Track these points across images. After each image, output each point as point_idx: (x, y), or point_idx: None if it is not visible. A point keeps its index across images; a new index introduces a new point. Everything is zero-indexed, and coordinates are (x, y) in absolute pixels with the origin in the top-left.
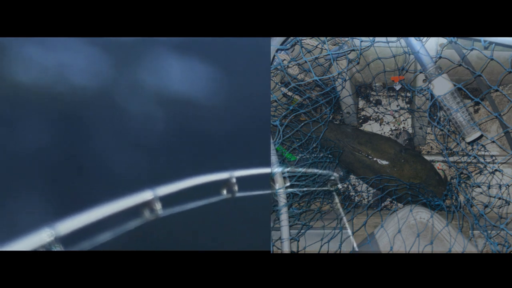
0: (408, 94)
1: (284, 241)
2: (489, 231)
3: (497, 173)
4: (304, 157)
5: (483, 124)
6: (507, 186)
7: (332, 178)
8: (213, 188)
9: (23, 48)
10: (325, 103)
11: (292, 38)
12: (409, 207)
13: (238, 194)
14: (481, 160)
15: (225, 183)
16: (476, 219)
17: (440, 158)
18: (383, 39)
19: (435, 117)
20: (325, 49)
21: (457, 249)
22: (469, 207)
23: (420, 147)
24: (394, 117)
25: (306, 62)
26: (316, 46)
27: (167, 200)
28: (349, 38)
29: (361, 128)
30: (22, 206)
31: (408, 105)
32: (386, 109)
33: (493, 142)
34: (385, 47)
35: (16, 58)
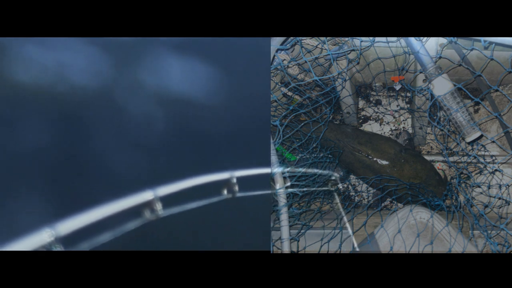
0: (408, 94)
1: (284, 241)
2: (489, 231)
3: (497, 173)
4: (304, 157)
5: (483, 124)
6: (507, 186)
7: (333, 178)
8: (213, 188)
9: (23, 48)
10: (325, 103)
11: (292, 38)
12: (409, 207)
13: (238, 194)
14: (481, 160)
15: (226, 183)
16: (476, 219)
17: (440, 158)
18: (383, 39)
19: (435, 117)
20: (325, 49)
21: (457, 249)
22: (469, 207)
23: (420, 147)
24: (394, 117)
25: (306, 62)
26: (316, 46)
27: (167, 200)
28: (349, 38)
29: (361, 128)
30: (22, 206)
31: (408, 105)
32: (386, 109)
33: (493, 142)
34: (385, 47)
35: (16, 58)
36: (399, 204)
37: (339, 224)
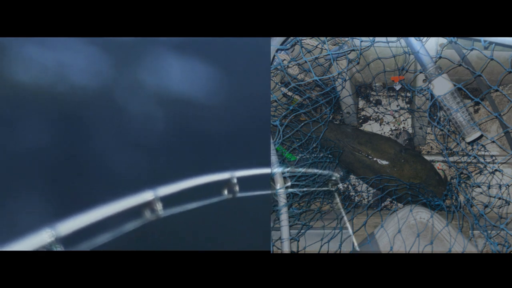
0: (408, 94)
1: (284, 241)
2: (489, 231)
3: (497, 173)
4: (304, 157)
5: (483, 124)
6: (507, 186)
7: (333, 178)
8: (213, 188)
9: (23, 48)
10: (325, 103)
11: (292, 38)
12: (409, 207)
13: (238, 195)
14: (481, 160)
15: (226, 183)
16: (476, 219)
17: (440, 158)
18: (383, 39)
19: (435, 117)
20: (325, 49)
21: (457, 249)
22: (469, 207)
23: (420, 147)
24: (394, 117)
25: (306, 62)
26: (316, 46)
27: (167, 200)
28: (349, 38)
29: (361, 128)
30: (22, 206)
31: (408, 105)
32: (386, 109)
33: (493, 142)
34: (385, 47)
35: (16, 58)
36: (399, 204)
37: (339, 224)
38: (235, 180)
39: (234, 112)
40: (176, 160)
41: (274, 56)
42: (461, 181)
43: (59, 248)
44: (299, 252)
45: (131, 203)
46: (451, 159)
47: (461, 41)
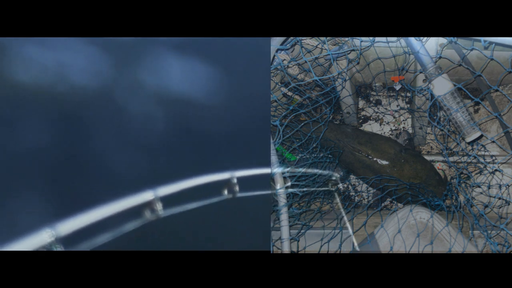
0: (408, 94)
1: (284, 241)
2: (489, 231)
3: (497, 173)
4: (304, 157)
5: (483, 124)
6: (507, 186)
7: (333, 178)
8: (214, 188)
9: (23, 48)
10: (325, 103)
11: (292, 38)
12: (409, 207)
13: (238, 195)
14: (481, 160)
15: (226, 183)
16: (476, 219)
17: (440, 158)
18: (383, 39)
19: (435, 117)
20: (325, 49)
21: (457, 249)
22: (469, 207)
23: (420, 147)
24: (394, 117)
25: (306, 62)
26: (316, 46)
27: (167, 200)
28: (349, 38)
29: (361, 128)
30: (22, 206)
31: (408, 105)
32: (386, 109)
33: (493, 142)
34: (385, 47)
35: (16, 58)
36: (399, 204)
37: (339, 224)
38: (235, 180)
39: (234, 112)
40: (176, 160)
41: (274, 56)
42: (461, 181)
43: (59, 248)
44: (299, 252)
45: (131, 203)
46: (451, 159)
47: (461, 41)
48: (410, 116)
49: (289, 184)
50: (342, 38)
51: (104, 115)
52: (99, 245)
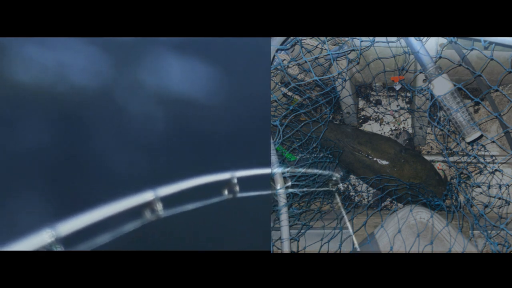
0: (408, 94)
1: (284, 241)
2: (489, 231)
3: (497, 173)
4: (304, 157)
5: (483, 124)
6: (507, 186)
7: (333, 178)
8: (214, 188)
9: (23, 48)
10: (325, 103)
11: (292, 38)
12: (409, 207)
13: (238, 195)
14: (481, 160)
15: (227, 183)
16: (476, 219)
17: (440, 158)
18: (383, 39)
19: (435, 117)
20: (325, 49)
21: (457, 249)
22: (469, 207)
23: (420, 147)
24: (394, 117)
25: (306, 62)
26: (316, 46)
27: (168, 201)
28: (349, 38)
29: (361, 128)
30: (22, 206)
31: (408, 105)
32: (386, 109)
33: (493, 142)
34: (385, 47)
35: (16, 58)
36: (399, 204)
37: (339, 224)
38: (235, 180)
39: (234, 112)
40: (176, 160)
41: (274, 56)
42: (461, 181)
43: (59, 248)
44: (299, 252)
45: (131, 203)
46: (451, 159)
47: (461, 41)
48: (410, 116)
49: (289, 184)
50: (342, 38)
51: (104, 115)
52: (99, 245)
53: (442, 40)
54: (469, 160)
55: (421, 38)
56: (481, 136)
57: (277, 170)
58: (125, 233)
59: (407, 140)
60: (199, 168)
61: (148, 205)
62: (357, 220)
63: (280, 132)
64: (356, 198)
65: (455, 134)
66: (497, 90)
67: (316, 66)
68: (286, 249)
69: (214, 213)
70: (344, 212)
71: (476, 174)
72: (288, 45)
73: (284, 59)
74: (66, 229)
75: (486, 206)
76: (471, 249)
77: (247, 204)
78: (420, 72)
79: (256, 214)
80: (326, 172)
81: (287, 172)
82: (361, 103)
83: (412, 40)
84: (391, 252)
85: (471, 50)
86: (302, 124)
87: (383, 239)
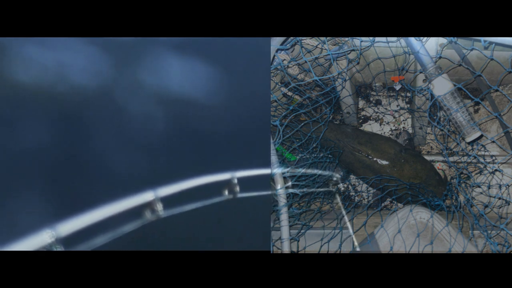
0: (408, 94)
1: (284, 241)
2: (489, 231)
3: (497, 173)
4: (304, 157)
5: (483, 124)
6: (507, 186)
7: (334, 178)
8: (214, 188)
9: (23, 48)
10: (325, 103)
11: (292, 38)
12: (409, 207)
13: (239, 195)
14: (481, 160)
15: (227, 183)
16: (476, 219)
17: (440, 158)
18: (383, 39)
19: (435, 117)
20: (325, 49)
21: (457, 249)
22: (469, 207)
23: (420, 147)
24: (394, 117)
25: (306, 62)
26: (316, 46)
27: (168, 201)
28: (349, 38)
29: (361, 128)
30: (22, 206)
31: (408, 105)
32: (386, 109)
33: (493, 142)
34: (385, 47)
35: (16, 58)
36: (399, 204)
37: (339, 224)
38: (235, 181)
39: (234, 112)
40: (176, 160)
41: (274, 56)
42: (461, 181)
43: (59, 248)
44: (299, 252)
45: (131, 203)
46: (451, 159)
47: (461, 41)
48: (410, 116)
49: (289, 184)
50: (342, 38)
51: (104, 115)
52: (99, 245)
53: (442, 40)
54: (469, 160)
55: (421, 38)
56: (481, 136)
57: (277, 170)
58: (125, 233)
59: (407, 140)
60: (199, 168)
61: (148, 205)
62: (357, 220)
63: (280, 132)
64: (356, 198)
65: (455, 134)
66: (497, 90)
67: (316, 66)
68: (286, 249)
69: (214, 213)
70: (344, 212)
71: (476, 174)
72: (288, 45)
73: (284, 59)
74: (66, 229)
75: (486, 206)
76: (471, 249)
77: (247, 204)
78: (420, 72)
79: (256, 214)
80: (326, 172)
81: (287, 172)
82: (361, 103)
83: (412, 40)
84: (391, 252)
85: (471, 50)
86: (302, 124)
87: (383, 239)
